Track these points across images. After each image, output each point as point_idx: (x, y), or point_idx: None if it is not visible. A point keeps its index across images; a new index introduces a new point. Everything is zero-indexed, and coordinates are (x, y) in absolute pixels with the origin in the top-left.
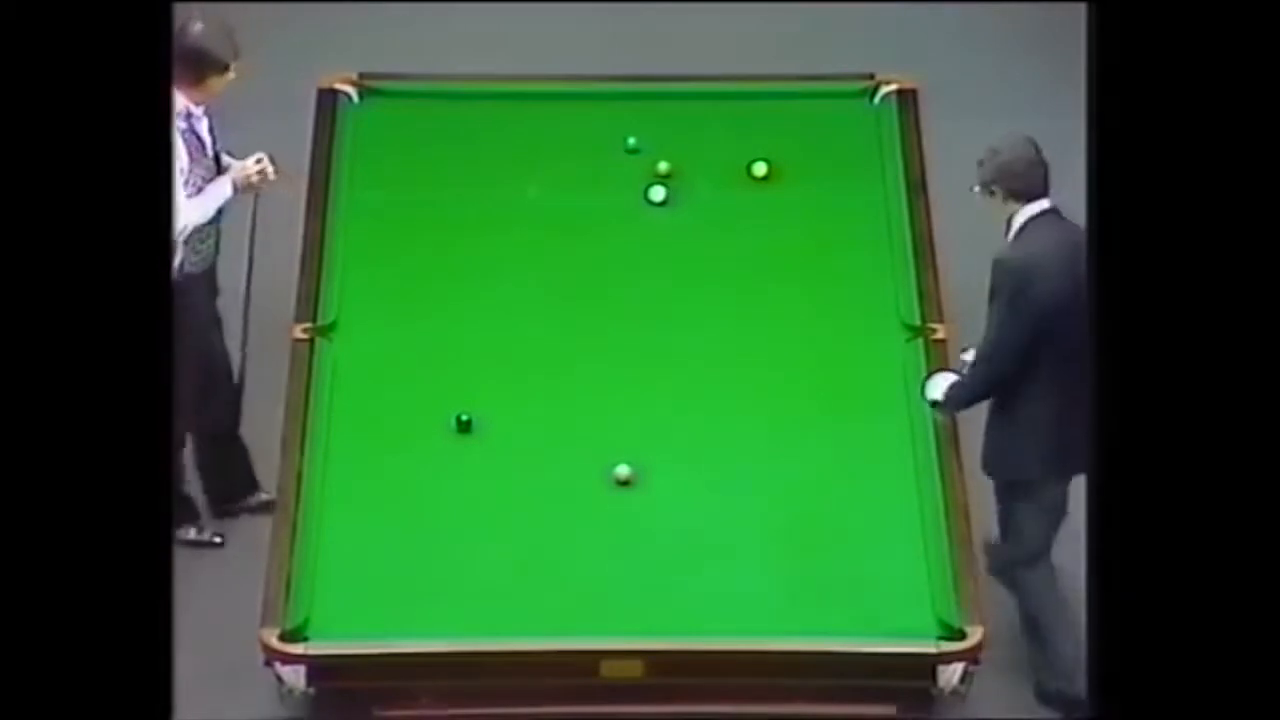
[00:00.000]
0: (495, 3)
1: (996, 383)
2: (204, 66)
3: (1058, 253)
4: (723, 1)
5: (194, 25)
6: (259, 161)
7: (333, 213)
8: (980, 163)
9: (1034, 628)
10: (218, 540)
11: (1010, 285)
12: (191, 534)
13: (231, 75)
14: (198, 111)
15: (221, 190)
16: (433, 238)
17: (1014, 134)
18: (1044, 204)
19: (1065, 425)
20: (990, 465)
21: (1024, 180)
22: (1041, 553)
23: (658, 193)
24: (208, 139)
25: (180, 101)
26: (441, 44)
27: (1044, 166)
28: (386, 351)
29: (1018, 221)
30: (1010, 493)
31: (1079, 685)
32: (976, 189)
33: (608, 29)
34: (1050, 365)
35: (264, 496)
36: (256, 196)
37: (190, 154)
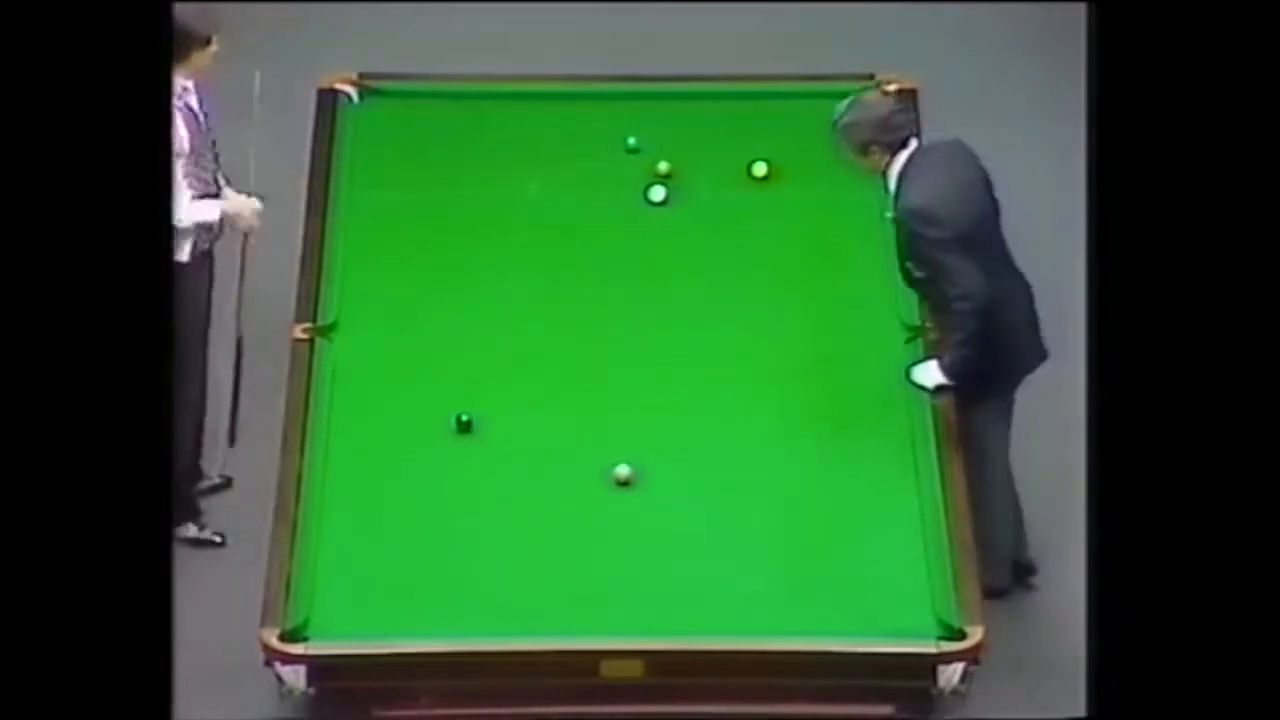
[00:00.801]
0: (495, 2)
1: (983, 314)
2: (187, 42)
3: (949, 174)
4: (723, 1)
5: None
6: (256, 210)
7: (333, 213)
8: (845, 128)
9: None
10: (218, 539)
11: (927, 225)
12: (192, 531)
13: (214, 48)
14: (188, 84)
15: (208, 212)
16: (433, 238)
17: (865, 95)
18: (914, 144)
19: (1024, 316)
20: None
21: (900, 129)
22: (1004, 452)
23: (658, 193)
24: (200, 114)
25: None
26: (441, 44)
27: (907, 111)
28: (386, 351)
29: (896, 169)
30: (983, 400)
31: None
32: (851, 154)
33: (608, 29)
34: (995, 272)
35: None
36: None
37: (187, 127)
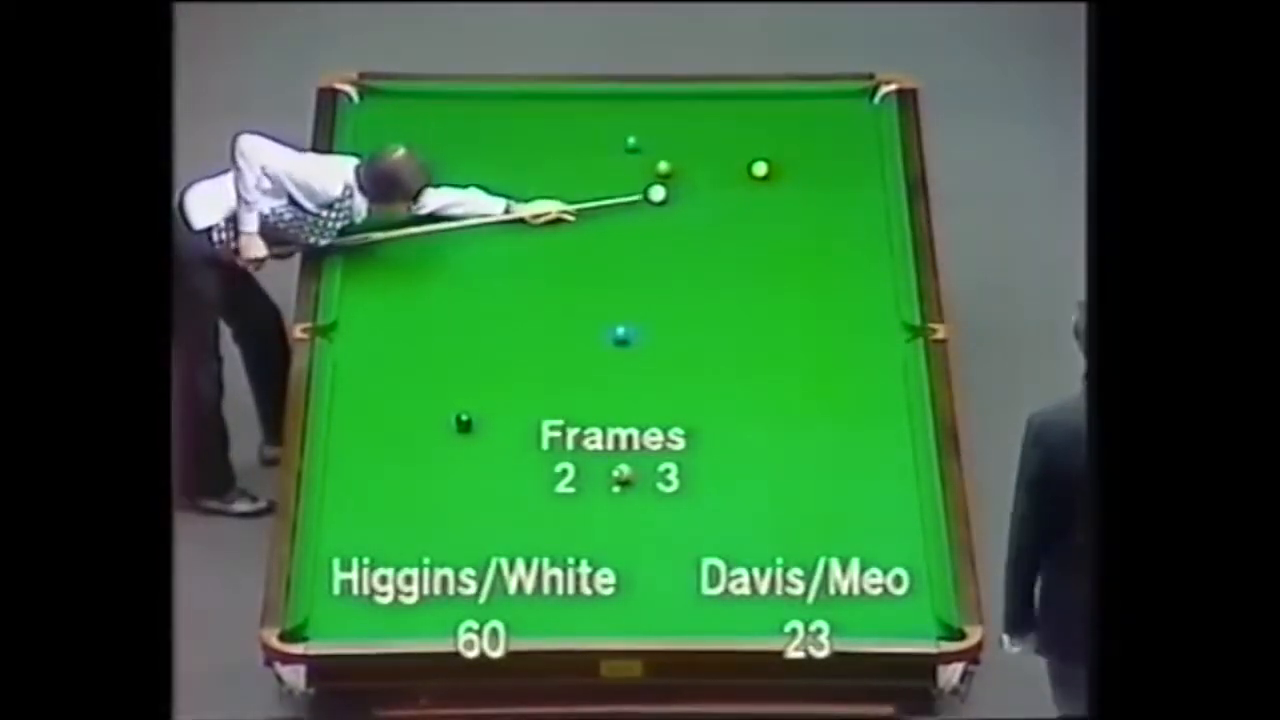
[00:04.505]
0: (496, 2)
1: (1019, 553)
2: (393, 192)
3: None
4: (723, 1)
5: (395, 152)
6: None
7: None
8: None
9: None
10: (265, 505)
11: (1025, 446)
12: (243, 506)
13: (417, 204)
14: (360, 213)
15: (248, 219)
16: (432, 237)
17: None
18: None
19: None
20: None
21: None
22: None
23: (658, 193)
24: (330, 222)
25: (350, 196)
26: (442, 43)
27: None
28: (386, 351)
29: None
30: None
31: None
32: (1076, 330)
33: (608, 29)
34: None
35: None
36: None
37: (311, 207)
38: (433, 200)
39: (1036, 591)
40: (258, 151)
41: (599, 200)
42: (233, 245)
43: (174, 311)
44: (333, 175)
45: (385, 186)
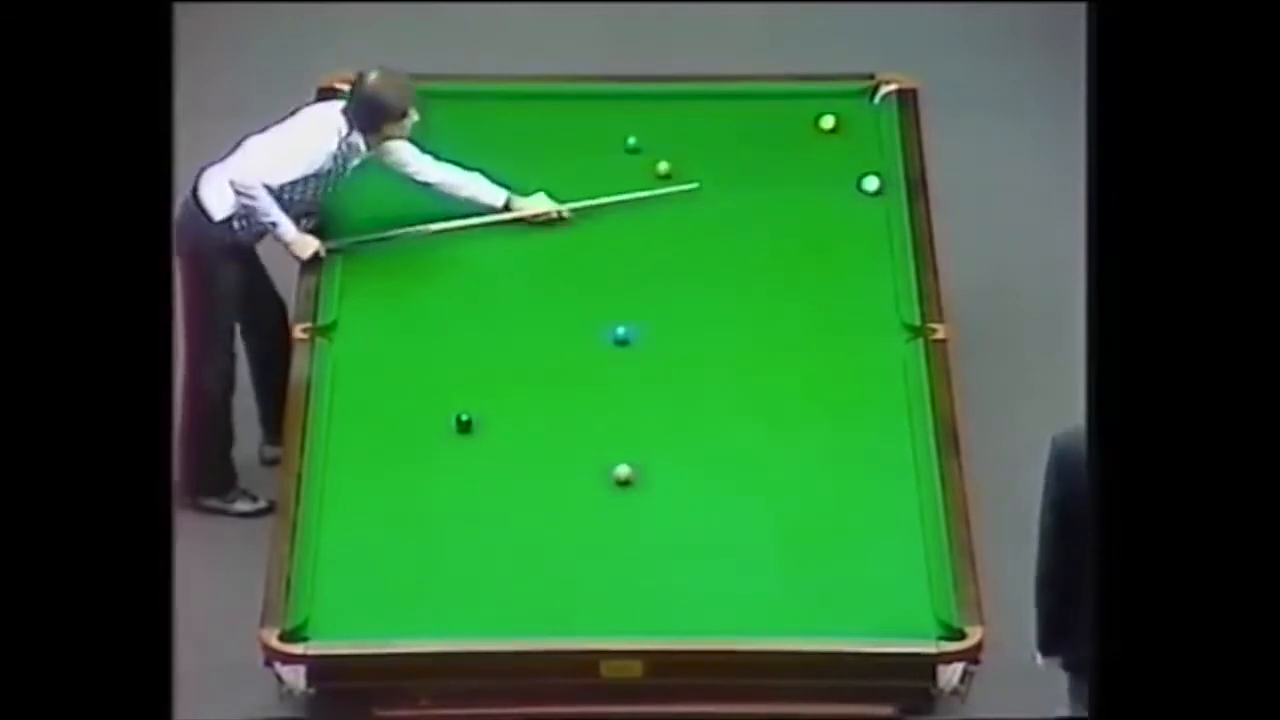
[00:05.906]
0: (495, 3)
1: (1046, 572)
2: (380, 115)
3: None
4: (723, 1)
5: (370, 76)
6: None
7: None
8: None
9: None
10: (265, 505)
11: (1048, 468)
12: (244, 506)
13: (410, 120)
14: (360, 149)
15: (284, 231)
16: (432, 237)
17: None
18: None
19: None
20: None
21: None
22: None
23: (871, 183)
24: (341, 171)
25: (347, 136)
26: (441, 44)
27: None
28: (387, 351)
29: None
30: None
31: None
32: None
33: (608, 29)
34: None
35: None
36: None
37: (320, 169)
38: (434, 173)
39: (1065, 609)
40: (255, 183)
41: (599, 200)
42: (253, 233)
43: (195, 306)
44: (322, 131)
45: (372, 112)
